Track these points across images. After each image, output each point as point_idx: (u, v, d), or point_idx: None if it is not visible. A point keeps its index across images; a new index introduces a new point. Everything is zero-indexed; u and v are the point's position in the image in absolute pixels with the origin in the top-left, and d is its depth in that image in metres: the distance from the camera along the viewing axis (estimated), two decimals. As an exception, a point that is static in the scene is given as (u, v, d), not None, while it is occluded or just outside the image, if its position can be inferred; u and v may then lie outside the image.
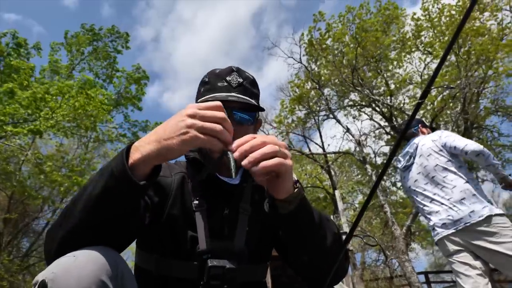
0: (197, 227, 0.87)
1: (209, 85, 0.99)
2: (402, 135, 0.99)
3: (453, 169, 2.44)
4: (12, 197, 11.36)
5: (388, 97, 11.48)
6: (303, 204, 0.78)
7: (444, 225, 2.36)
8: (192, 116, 0.65)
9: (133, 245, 0.94)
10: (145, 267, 0.91)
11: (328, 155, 12.79)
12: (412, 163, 2.69)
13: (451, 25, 9.50)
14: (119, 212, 0.70)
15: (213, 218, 0.90)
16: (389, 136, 12.22)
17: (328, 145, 14.70)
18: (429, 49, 10.50)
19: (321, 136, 13.03)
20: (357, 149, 10.45)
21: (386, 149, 12.50)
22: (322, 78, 11.61)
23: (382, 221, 12.37)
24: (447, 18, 9.76)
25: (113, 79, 11.12)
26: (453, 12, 9.69)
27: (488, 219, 2.20)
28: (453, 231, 2.30)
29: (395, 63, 11.28)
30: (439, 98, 10.15)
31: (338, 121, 11.14)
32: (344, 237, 0.88)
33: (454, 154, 2.47)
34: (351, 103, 11.94)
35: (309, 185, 15.03)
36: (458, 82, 8.52)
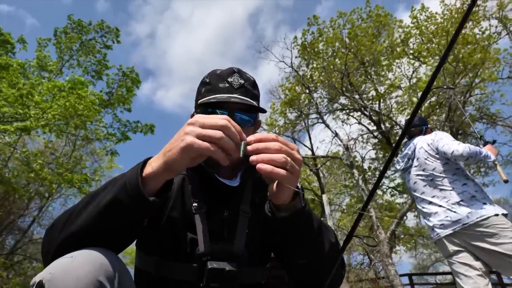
0: (196, 229, 0.87)
1: (210, 86, 0.98)
2: (402, 136, 0.98)
3: (450, 172, 2.46)
4: (-3, 194, 11.19)
5: (377, 102, 11.64)
6: (300, 212, 0.77)
7: (443, 226, 2.37)
8: (191, 123, 0.65)
9: (133, 246, 0.95)
10: (145, 269, 0.91)
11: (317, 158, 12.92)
12: (411, 165, 2.71)
13: (438, 34, 9.68)
14: (124, 224, 0.71)
15: (213, 220, 0.90)
16: (376, 140, 12.40)
17: (317, 147, 14.83)
18: (416, 55, 10.67)
19: (310, 139, 13.14)
20: (345, 153, 10.59)
21: (373, 154, 12.68)
22: (315, 79, 11.67)
23: (367, 225, 12.56)
24: (435, 26, 9.95)
25: (102, 76, 10.92)
26: (441, 20, 9.89)
27: (487, 220, 2.19)
28: (451, 231, 2.31)
29: (384, 68, 11.42)
30: (426, 104, 10.33)
31: (327, 126, 11.25)
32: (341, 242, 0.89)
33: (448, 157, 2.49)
34: (340, 107, 12.07)
35: (297, 187, 15.06)
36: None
